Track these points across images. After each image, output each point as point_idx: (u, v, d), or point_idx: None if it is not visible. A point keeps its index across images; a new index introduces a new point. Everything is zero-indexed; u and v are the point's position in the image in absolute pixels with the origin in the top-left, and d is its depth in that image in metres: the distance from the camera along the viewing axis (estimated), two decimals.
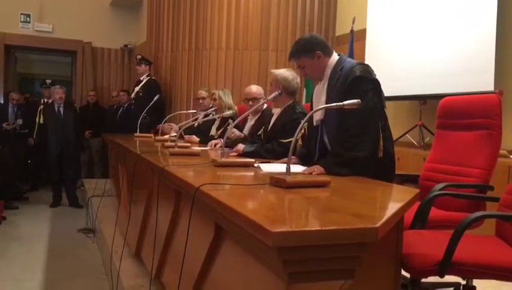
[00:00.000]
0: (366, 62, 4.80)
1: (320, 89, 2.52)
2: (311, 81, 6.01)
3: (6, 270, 3.82)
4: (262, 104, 3.62)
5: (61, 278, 3.70)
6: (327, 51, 2.45)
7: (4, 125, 6.78)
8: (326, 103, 2.36)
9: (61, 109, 6.33)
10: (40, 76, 9.92)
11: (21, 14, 8.01)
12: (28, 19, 8.05)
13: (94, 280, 3.67)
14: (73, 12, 8.11)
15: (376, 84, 2.33)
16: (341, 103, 1.93)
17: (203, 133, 4.58)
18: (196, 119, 4.61)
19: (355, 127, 2.23)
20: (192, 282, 1.93)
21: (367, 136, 2.23)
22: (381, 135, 2.27)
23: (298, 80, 3.24)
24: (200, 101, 5.20)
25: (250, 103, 3.80)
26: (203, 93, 5.27)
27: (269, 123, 3.34)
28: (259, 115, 3.81)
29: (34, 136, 6.89)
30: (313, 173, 2.14)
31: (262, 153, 3.00)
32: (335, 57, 2.47)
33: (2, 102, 7.75)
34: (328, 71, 2.45)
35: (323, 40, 2.52)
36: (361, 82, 2.27)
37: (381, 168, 2.28)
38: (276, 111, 3.29)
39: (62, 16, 8.09)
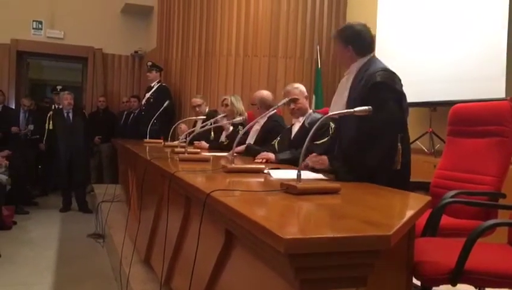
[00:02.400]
0: None
1: (344, 83, 2.51)
2: (320, 88, 6.03)
3: (17, 274, 3.84)
4: (273, 110, 3.64)
5: (70, 282, 3.71)
6: (360, 51, 2.43)
7: (13, 129, 6.87)
8: (347, 101, 2.39)
9: (70, 115, 6.38)
10: (51, 82, 10.01)
11: (33, 21, 8.09)
12: (40, 25, 8.14)
13: (103, 285, 3.68)
14: (85, 19, 8.19)
15: (398, 94, 2.28)
16: (352, 110, 1.93)
17: (205, 137, 4.62)
18: (203, 127, 4.63)
19: (368, 134, 2.22)
20: (202, 288, 1.93)
21: (380, 146, 2.20)
22: (399, 147, 2.25)
23: None
24: (197, 108, 5.30)
25: (257, 108, 3.87)
26: (197, 100, 5.38)
27: (276, 132, 3.41)
28: (265, 120, 3.85)
29: (44, 142, 6.96)
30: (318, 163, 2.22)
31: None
32: (368, 58, 2.43)
33: (13, 107, 7.83)
34: (355, 68, 2.43)
35: (365, 40, 2.45)
36: (381, 89, 2.24)
37: (396, 179, 2.26)
38: (298, 120, 3.40)
39: (73, 22, 8.16)
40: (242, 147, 3.94)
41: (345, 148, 2.40)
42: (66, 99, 6.35)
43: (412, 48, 4.77)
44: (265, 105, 3.92)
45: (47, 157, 7.17)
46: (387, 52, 5.04)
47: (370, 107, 1.91)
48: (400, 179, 2.27)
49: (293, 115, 3.41)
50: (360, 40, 2.44)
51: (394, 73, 2.35)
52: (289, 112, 3.43)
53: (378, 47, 5.15)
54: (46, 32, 8.16)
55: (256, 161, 3.08)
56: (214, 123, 4.51)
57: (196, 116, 5.24)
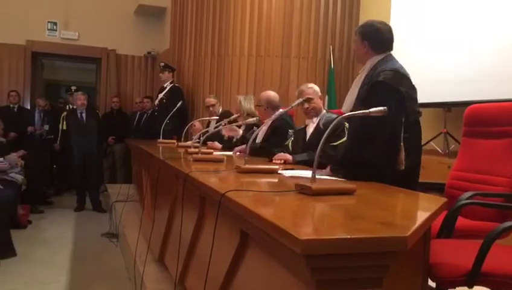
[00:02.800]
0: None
1: (357, 81, 2.51)
2: (333, 88, 6.01)
3: (32, 273, 3.89)
4: (287, 110, 3.65)
5: (85, 281, 3.76)
6: (376, 48, 2.43)
7: (29, 128, 6.97)
8: (356, 98, 2.40)
9: (84, 115, 6.42)
10: (66, 82, 10.11)
11: (48, 22, 8.18)
12: (54, 26, 8.22)
13: (117, 283, 3.72)
14: (99, 20, 8.27)
15: (400, 94, 2.26)
16: (367, 110, 1.92)
17: (218, 138, 4.63)
18: (217, 127, 4.64)
19: (361, 134, 2.28)
20: (217, 288, 1.93)
21: (372, 145, 2.24)
22: (402, 147, 2.24)
23: None
24: (210, 108, 5.30)
25: (264, 108, 3.87)
26: (211, 100, 5.37)
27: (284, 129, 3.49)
28: (271, 121, 3.84)
29: (58, 142, 7.04)
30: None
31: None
32: (383, 55, 2.43)
33: (29, 108, 7.93)
34: (369, 65, 2.43)
35: (381, 37, 2.44)
36: (380, 89, 2.25)
37: (403, 180, 2.25)
38: (313, 120, 3.38)
39: (87, 23, 8.24)
40: (242, 147, 3.99)
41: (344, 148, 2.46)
42: (79, 100, 6.40)
43: (427, 47, 4.73)
44: (271, 106, 3.92)
45: (61, 157, 7.25)
46: (401, 52, 4.97)
47: (386, 108, 1.90)
48: (407, 181, 2.27)
49: (307, 115, 3.40)
50: (377, 37, 2.43)
51: (402, 74, 2.33)
52: (303, 111, 3.42)
53: None
54: (60, 33, 8.25)
55: (274, 161, 3.08)
56: (229, 124, 4.53)
57: (210, 116, 5.26)
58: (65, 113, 6.85)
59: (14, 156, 5.45)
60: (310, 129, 3.38)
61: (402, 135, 2.25)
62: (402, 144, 2.25)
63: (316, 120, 3.36)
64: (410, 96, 2.32)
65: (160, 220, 3.32)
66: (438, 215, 1.66)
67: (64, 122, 6.63)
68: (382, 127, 2.20)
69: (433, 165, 4.02)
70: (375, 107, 1.94)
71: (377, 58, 2.42)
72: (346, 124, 2.86)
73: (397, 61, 2.43)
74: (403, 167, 2.24)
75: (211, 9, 6.38)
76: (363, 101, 2.26)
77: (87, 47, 8.33)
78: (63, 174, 7.59)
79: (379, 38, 2.43)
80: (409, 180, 2.32)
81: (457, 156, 2.80)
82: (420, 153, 2.46)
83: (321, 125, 3.25)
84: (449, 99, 4.35)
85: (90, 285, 3.70)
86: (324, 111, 3.42)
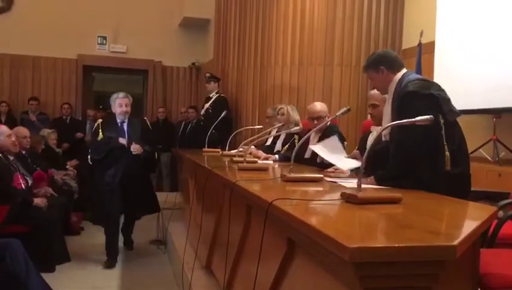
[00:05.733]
0: (435, 75, 4.68)
1: (387, 105, 2.59)
2: None
3: (85, 278, 4.05)
4: (328, 121, 3.62)
5: (135, 286, 3.88)
6: (392, 68, 2.53)
7: (77, 134, 7.28)
8: (391, 119, 2.43)
9: (125, 125, 4.63)
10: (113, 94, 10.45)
11: (98, 36, 8.55)
12: (104, 41, 8.58)
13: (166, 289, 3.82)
14: (145, 34, 8.55)
15: (432, 100, 2.31)
16: (413, 119, 1.93)
17: (268, 147, 4.67)
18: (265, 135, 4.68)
19: (413, 143, 2.27)
20: None
21: (423, 153, 2.27)
22: (446, 147, 2.27)
23: None
24: (267, 120, 5.32)
25: (316, 121, 3.81)
26: (268, 112, 5.32)
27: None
28: (321, 133, 3.80)
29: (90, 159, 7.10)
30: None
31: None
32: (401, 73, 2.51)
33: (80, 119, 8.29)
34: (393, 87, 2.51)
35: (392, 57, 2.59)
36: (413, 98, 2.30)
37: (453, 186, 2.23)
38: (376, 129, 3.19)
39: (135, 37, 8.55)
40: (274, 157, 4.10)
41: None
42: (120, 106, 4.55)
43: (474, 52, 4.59)
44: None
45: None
46: (447, 58, 4.91)
47: (432, 116, 1.91)
48: (457, 188, 2.24)
49: (372, 120, 3.35)
50: (388, 58, 2.56)
51: (430, 81, 2.44)
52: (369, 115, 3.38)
53: (437, 53, 5.06)
54: (109, 46, 8.60)
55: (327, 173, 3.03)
56: (270, 133, 4.58)
57: (268, 126, 5.16)
58: (101, 120, 4.87)
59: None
60: (371, 138, 3.21)
61: (444, 135, 2.29)
62: (445, 144, 2.28)
63: (379, 129, 3.21)
64: (443, 97, 2.36)
65: (207, 228, 3.40)
66: (488, 224, 1.65)
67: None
68: (426, 135, 2.24)
69: (483, 173, 3.92)
70: (411, 117, 1.97)
71: (397, 77, 2.50)
72: None
73: (415, 74, 2.54)
74: (449, 167, 2.25)
75: (254, 20, 6.47)
76: (397, 114, 2.32)
77: (134, 59, 8.64)
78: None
79: (390, 58, 2.56)
80: (460, 186, 2.31)
81: None
82: (467, 156, 2.44)
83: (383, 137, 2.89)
84: (499, 105, 4.22)
85: None
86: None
